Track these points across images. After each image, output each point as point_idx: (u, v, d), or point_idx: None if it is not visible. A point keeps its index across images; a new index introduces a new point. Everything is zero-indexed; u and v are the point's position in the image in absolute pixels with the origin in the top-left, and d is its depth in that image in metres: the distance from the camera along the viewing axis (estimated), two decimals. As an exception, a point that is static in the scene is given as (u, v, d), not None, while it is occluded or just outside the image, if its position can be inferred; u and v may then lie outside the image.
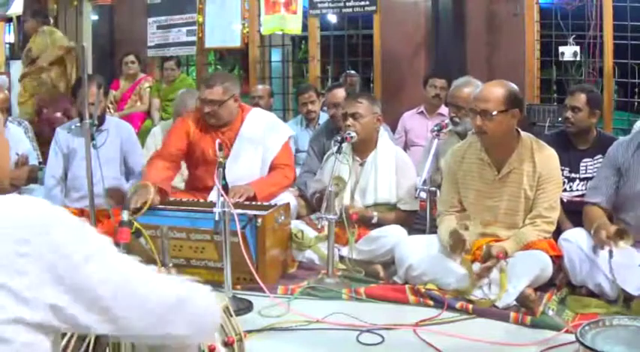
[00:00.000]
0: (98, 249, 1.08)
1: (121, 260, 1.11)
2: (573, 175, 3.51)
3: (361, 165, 3.58)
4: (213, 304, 1.26)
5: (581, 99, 3.50)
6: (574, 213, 3.22)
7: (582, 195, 3.32)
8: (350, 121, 3.47)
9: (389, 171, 3.54)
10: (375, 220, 3.41)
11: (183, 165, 3.97)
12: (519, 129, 3.09)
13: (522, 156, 3.03)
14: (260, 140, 3.71)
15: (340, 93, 4.45)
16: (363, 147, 3.57)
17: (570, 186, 3.50)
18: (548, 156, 3.05)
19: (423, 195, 3.31)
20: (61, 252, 1.03)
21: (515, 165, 3.03)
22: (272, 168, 3.73)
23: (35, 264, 1.01)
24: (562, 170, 3.38)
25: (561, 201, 3.19)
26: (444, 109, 5.12)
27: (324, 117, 5.17)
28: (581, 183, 3.47)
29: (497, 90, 3.00)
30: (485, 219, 3.09)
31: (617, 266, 2.69)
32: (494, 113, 2.94)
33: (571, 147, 3.55)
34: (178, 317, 1.14)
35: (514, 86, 3.06)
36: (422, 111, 5.23)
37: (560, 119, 4.81)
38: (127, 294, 1.08)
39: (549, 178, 3.01)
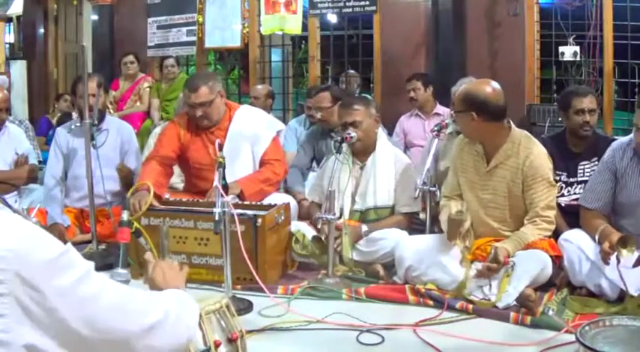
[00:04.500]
0: (75, 281, 1.07)
1: (99, 287, 1.11)
2: (571, 180, 3.44)
3: (361, 168, 3.56)
4: (187, 320, 1.29)
5: (594, 100, 3.43)
6: (572, 216, 3.17)
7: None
8: (351, 130, 3.44)
9: (388, 174, 3.52)
10: (365, 231, 3.36)
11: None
12: (512, 126, 3.07)
13: (508, 151, 3.03)
14: (250, 136, 3.67)
15: (326, 97, 4.40)
16: (362, 150, 3.55)
17: (568, 191, 3.43)
18: (535, 154, 3.00)
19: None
20: (37, 289, 1.02)
21: (501, 160, 3.04)
22: (262, 163, 3.69)
23: (11, 305, 1.00)
24: (560, 175, 3.37)
25: (559, 205, 3.17)
26: (439, 109, 5.14)
27: None
28: (579, 186, 3.38)
29: (460, 91, 3.01)
30: (476, 210, 3.11)
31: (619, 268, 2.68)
32: (453, 112, 2.99)
33: (567, 152, 3.46)
34: (147, 340, 1.17)
35: (479, 88, 2.98)
36: (417, 114, 5.25)
37: (560, 119, 4.81)
38: (102, 328, 1.10)
39: (536, 176, 2.98)
